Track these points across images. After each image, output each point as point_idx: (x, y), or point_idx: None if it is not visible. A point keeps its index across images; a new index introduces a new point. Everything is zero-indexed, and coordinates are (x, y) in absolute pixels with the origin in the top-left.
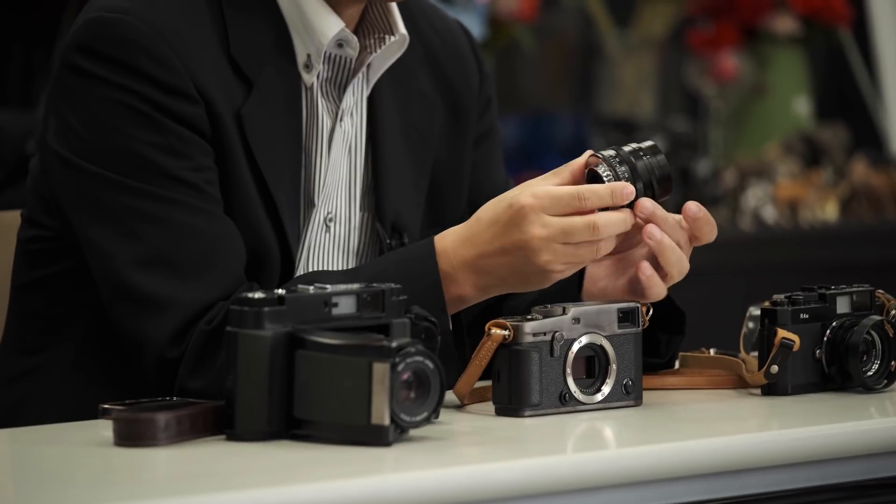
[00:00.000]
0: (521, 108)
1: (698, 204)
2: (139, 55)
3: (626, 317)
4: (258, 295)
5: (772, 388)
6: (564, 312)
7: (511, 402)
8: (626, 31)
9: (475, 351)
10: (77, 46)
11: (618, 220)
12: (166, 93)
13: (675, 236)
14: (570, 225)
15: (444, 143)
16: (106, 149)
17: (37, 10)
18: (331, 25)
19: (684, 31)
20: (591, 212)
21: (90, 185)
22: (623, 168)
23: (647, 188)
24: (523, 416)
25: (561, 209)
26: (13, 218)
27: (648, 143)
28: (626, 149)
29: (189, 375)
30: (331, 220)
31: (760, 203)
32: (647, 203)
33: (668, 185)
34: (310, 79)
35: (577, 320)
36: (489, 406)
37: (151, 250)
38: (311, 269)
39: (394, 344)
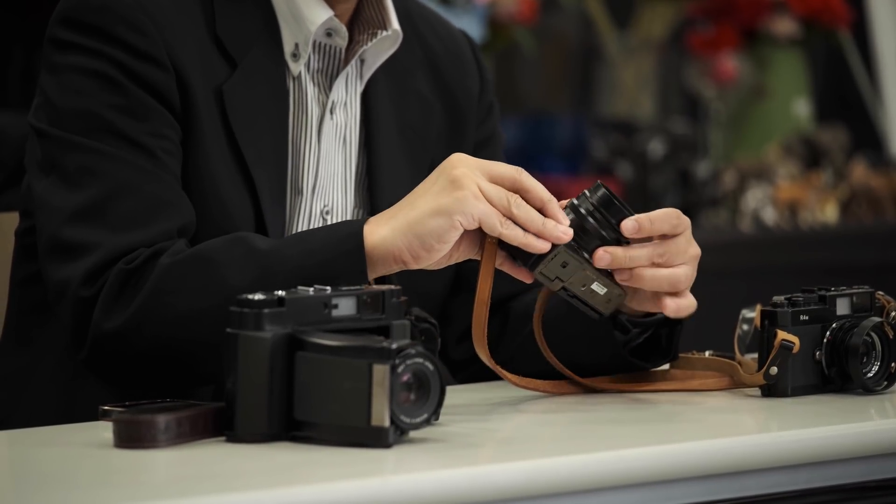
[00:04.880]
0: (520, 110)
1: (632, 220)
2: (115, 21)
3: None
4: (258, 297)
5: (771, 390)
6: None
7: None
8: (625, 33)
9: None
10: (59, 19)
11: (543, 187)
12: (136, 57)
13: (644, 261)
14: (497, 164)
15: (442, 147)
16: (69, 111)
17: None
18: (319, 14)
19: (684, 32)
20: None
21: (50, 147)
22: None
23: (607, 241)
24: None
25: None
26: (14, 219)
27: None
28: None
29: (104, 316)
30: (328, 212)
31: (760, 205)
32: (603, 256)
33: (620, 219)
34: (297, 68)
35: None
36: (489, 406)
37: (88, 204)
38: None
39: (394, 345)
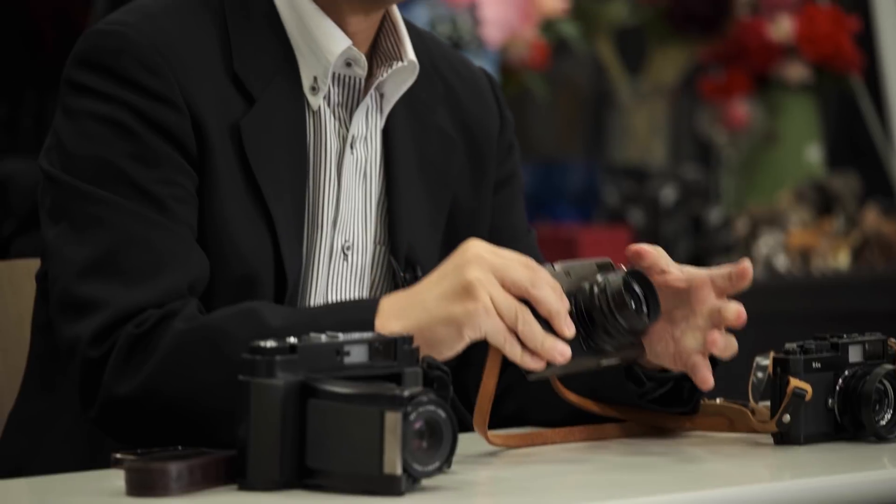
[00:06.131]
0: (532, 156)
1: (735, 308)
2: (130, 62)
3: (605, 268)
4: (270, 344)
5: (784, 438)
6: (554, 267)
7: None
8: (637, 79)
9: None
10: (74, 60)
11: (554, 296)
12: (150, 98)
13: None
14: (513, 268)
15: (462, 183)
16: (82, 158)
17: (49, 54)
18: (337, 42)
19: (696, 78)
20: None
21: (61, 194)
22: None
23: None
24: None
25: (508, 254)
26: (26, 266)
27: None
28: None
29: (114, 381)
30: (348, 248)
31: (772, 251)
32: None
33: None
34: (316, 101)
35: (568, 273)
36: (503, 454)
37: (96, 258)
38: (330, 299)
39: (406, 393)
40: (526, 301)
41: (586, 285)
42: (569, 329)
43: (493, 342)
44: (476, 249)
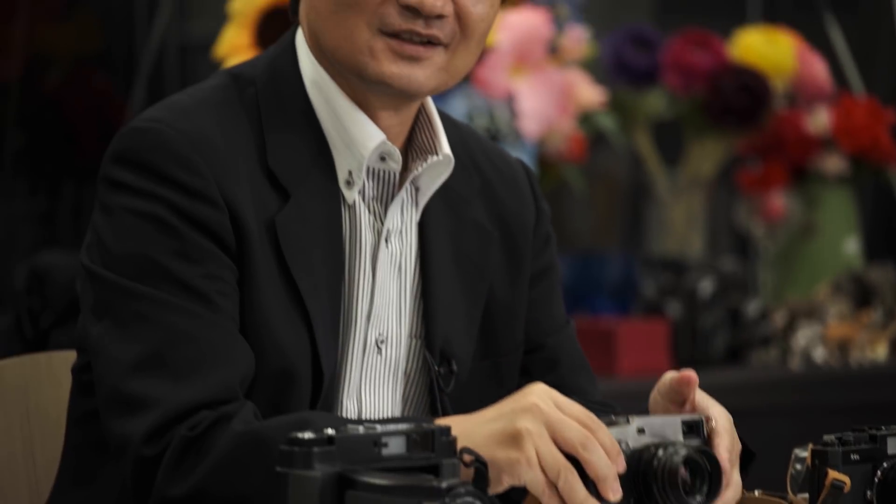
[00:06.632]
0: (570, 249)
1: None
2: (167, 160)
3: (690, 429)
4: (308, 435)
5: None
6: (628, 422)
7: None
8: (675, 171)
9: None
10: (111, 157)
11: (605, 461)
12: (189, 196)
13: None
14: (568, 426)
15: (498, 276)
16: (125, 256)
17: (86, 148)
18: (371, 136)
19: (733, 170)
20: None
21: (104, 291)
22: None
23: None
24: None
25: (569, 408)
26: (64, 358)
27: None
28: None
29: (168, 482)
30: (382, 341)
31: (810, 343)
32: None
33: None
34: (351, 195)
35: (641, 431)
36: None
37: (145, 355)
38: (364, 393)
39: (444, 484)
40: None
41: (651, 450)
42: (614, 495)
43: (532, 492)
44: (535, 398)
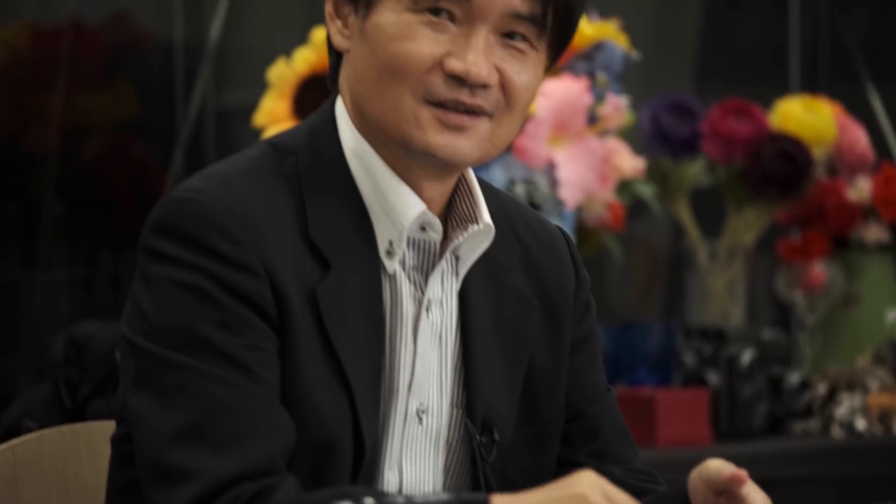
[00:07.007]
0: (609, 318)
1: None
2: (208, 230)
3: None
4: None
5: None
6: None
7: None
8: (715, 241)
9: None
10: (151, 227)
11: None
12: (230, 266)
13: None
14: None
15: (539, 344)
16: (165, 327)
17: (124, 214)
18: (412, 206)
19: (773, 239)
20: None
21: (144, 362)
22: None
23: None
24: None
25: (617, 498)
26: (102, 428)
27: None
28: None
29: None
30: (423, 411)
31: (852, 413)
32: None
33: None
34: (392, 265)
35: None
36: None
37: (186, 426)
38: (405, 463)
39: None
40: None
41: None
42: None
43: None
44: (584, 487)
